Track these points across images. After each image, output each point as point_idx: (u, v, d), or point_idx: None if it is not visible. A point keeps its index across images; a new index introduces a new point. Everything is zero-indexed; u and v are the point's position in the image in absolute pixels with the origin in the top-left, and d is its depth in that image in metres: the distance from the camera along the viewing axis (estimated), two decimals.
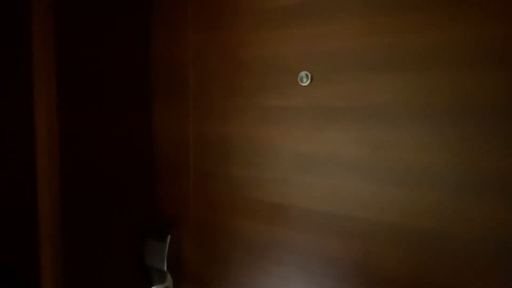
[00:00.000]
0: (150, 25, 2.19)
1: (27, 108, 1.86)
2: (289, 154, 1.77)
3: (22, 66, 1.92)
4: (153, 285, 2.17)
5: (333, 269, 1.68)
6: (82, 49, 1.87)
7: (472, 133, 1.37)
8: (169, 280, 2.14)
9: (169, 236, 2.11)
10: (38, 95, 1.82)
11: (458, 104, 1.39)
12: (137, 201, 2.18)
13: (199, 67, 2.03)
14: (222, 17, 1.93)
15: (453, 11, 1.37)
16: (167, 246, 2.09)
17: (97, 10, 1.92)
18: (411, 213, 1.49)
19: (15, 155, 2.07)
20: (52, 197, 1.82)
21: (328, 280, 1.70)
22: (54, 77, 1.77)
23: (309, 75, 1.64)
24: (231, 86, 1.93)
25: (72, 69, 1.83)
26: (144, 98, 2.21)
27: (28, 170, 1.91)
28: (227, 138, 1.96)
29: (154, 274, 2.18)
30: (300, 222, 1.76)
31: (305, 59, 1.67)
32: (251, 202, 1.89)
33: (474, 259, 1.39)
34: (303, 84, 1.67)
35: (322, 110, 1.65)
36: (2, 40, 2.05)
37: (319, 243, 1.72)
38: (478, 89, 1.35)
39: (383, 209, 1.54)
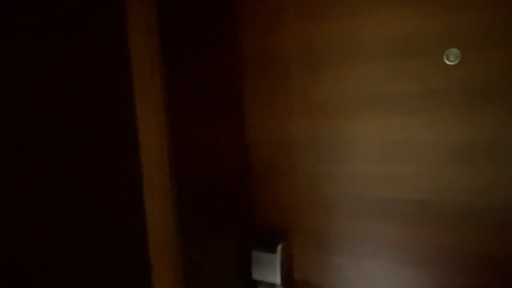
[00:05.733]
0: (238, 13, 2.03)
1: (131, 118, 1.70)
2: (434, 146, 1.58)
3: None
4: None
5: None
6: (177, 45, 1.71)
7: None
8: None
9: (280, 246, 1.91)
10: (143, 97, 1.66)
11: None
12: (239, 209, 1.99)
13: (305, 58, 1.86)
14: None
15: None
16: (279, 257, 1.89)
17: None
18: None
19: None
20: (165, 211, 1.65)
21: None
22: (160, 81, 1.62)
23: (458, 53, 1.46)
24: (346, 74, 1.75)
25: (175, 70, 1.67)
26: (235, 97, 2.03)
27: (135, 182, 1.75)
28: (344, 133, 1.78)
29: None
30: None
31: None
32: (384, 201, 1.70)
33: None
34: (450, 63, 1.48)
35: (476, 91, 1.47)
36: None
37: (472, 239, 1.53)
38: None
39: None
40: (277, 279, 1.89)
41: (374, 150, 1.72)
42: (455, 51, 1.45)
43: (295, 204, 1.91)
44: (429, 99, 1.57)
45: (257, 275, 1.94)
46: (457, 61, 1.45)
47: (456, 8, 1.47)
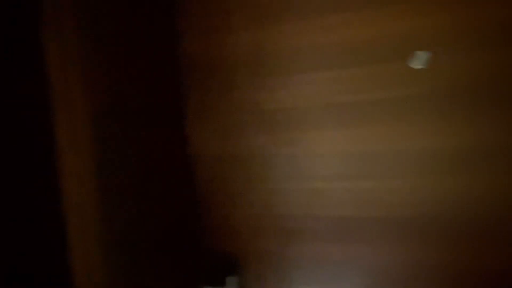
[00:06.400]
0: (177, 14, 1.76)
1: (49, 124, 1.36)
2: (399, 157, 1.43)
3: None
4: None
5: None
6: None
7: None
8: None
9: (229, 279, 1.64)
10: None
11: None
12: (183, 239, 1.69)
13: (255, 65, 1.64)
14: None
15: None
16: None
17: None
18: None
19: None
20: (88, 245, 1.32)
21: None
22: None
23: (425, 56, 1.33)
24: (301, 82, 1.57)
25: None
26: (174, 108, 1.76)
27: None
28: (303, 147, 1.59)
29: None
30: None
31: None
32: (349, 221, 1.52)
33: None
34: (416, 67, 1.35)
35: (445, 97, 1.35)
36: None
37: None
38: None
39: None
40: None
41: (336, 164, 1.54)
42: (421, 54, 1.33)
43: (249, 228, 1.67)
44: (394, 107, 1.44)
45: None
46: (424, 65, 1.33)
47: (421, 10, 1.36)
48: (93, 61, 1.35)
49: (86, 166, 1.32)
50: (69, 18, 1.31)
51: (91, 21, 1.36)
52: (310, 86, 1.56)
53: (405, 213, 1.46)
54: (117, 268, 1.38)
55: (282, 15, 1.57)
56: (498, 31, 1.29)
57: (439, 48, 1.34)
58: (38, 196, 1.51)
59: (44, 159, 1.46)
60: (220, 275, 1.67)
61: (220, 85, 1.70)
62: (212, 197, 1.72)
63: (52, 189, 1.38)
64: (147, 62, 1.61)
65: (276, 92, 1.61)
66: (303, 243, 1.60)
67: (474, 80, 1.32)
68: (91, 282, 1.32)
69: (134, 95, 1.53)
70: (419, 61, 1.34)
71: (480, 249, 1.36)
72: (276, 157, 1.62)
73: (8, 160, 1.57)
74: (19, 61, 1.53)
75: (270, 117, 1.62)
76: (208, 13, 1.69)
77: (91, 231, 1.32)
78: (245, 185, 1.67)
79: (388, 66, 1.43)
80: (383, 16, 1.42)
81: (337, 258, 1.57)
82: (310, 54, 1.54)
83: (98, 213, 1.32)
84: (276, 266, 1.64)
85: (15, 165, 1.57)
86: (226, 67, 1.68)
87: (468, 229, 1.37)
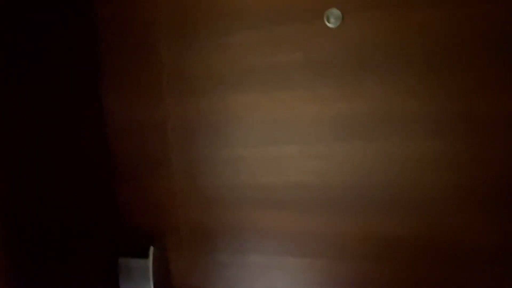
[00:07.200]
0: None
1: None
2: (320, 121, 1.39)
3: None
4: None
5: None
6: None
7: None
8: None
9: (152, 249, 1.60)
10: None
11: None
12: (101, 212, 1.63)
13: (175, 26, 1.53)
14: None
15: None
16: (150, 264, 1.58)
17: None
18: None
19: None
20: None
21: None
22: None
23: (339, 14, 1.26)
24: (219, 44, 1.48)
25: None
26: (88, 75, 1.64)
27: None
28: (222, 113, 1.52)
29: None
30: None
31: None
32: (270, 187, 1.48)
33: None
34: (330, 26, 1.28)
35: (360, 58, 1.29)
36: None
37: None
38: None
39: None
40: None
41: (256, 130, 1.49)
42: (335, 11, 1.25)
43: (169, 199, 1.61)
44: (312, 69, 1.37)
45: (126, 286, 1.61)
46: (338, 24, 1.26)
47: None
48: None
49: None
50: None
51: None
52: (228, 50, 1.47)
53: (328, 179, 1.43)
54: (29, 254, 1.31)
55: None
56: None
57: (352, 5, 1.27)
58: None
59: None
60: (142, 247, 1.62)
61: (136, 49, 1.59)
62: (131, 169, 1.65)
63: None
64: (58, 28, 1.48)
65: (194, 57, 1.52)
66: (227, 212, 1.56)
67: (386, 43, 1.27)
68: None
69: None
70: (333, 18, 1.26)
71: (387, 216, 1.36)
72: (195, 125, 1.55)
73: None
74: None
75: (190, 82, 1.54)
76: None
77: None
78: (166, 155, 1.60)
79: (305, 25, 1.35)
80: None
81: (261, 226, 1.54)
82: (225, 16, 1.45)
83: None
84: (200, 236, 1.60)
85: None
86: (142, 30, 1.57)
87: (378, 197, 1.36)
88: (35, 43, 1.50)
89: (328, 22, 1.27)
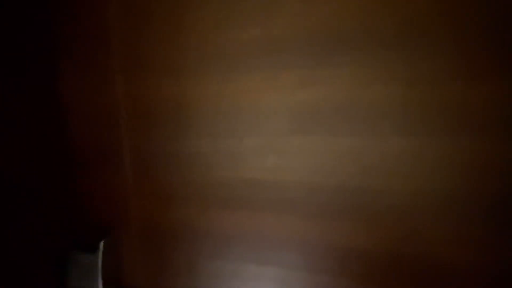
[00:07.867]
0: None
1: None
2: (278, 111, 1.23)
3: None
4: None
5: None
6: None
7: None
8: None
9: (101, 245, 1.49)
10: None
11: None
12: (49, 208, 1.52)
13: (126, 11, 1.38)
14: None
15: None
16: (100, 259, 1.48)
17: None
18: None
19: None
20: None
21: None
22: None
23: None
24: (180, 21, 1.33)
25: None
26: (44, 54, 1.51)
27: None
28: (180, 99, 1.37)
29: None
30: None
31: None
32: (225, 183, 1.34)
33: None
34: None
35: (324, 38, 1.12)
36: None
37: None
38: None
39: None
40: (98, 285, 1.48)
41: (214, 119, 1.34)
42: None
43: (121, 193, 1.50)
44: (271, 50, 1.20)
45: (74, 281, 1.52)
46: None
47: None
48: None
49: None
50: None
51: None
52: (185, 30, 1.32)
53: (283, 178, 1.28)
54: None
55: None
56: None
57: None
58: None
59: None
60: (93, 241, 1.52)
61: (94, 31, 1.45)
62: (86, 160, 1.53)
63: None
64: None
65: (152, 34, 1.37)
66: (179, 209, 1.44)
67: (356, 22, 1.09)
68: None
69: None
70: None
71: (350, 223, 1.20)
72: (153, 111, 1.42)
73: None
74: None
75: (142, 69, 1.40)
76: None
77: None
78: (119, 146, 1.48)
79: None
80: None
81: (214, 225, 1.41)
82: None
83: None
84: (151, 233, 1.49)
85: None
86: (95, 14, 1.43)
87: (340, 200, 1.20)
88: None
89: None
